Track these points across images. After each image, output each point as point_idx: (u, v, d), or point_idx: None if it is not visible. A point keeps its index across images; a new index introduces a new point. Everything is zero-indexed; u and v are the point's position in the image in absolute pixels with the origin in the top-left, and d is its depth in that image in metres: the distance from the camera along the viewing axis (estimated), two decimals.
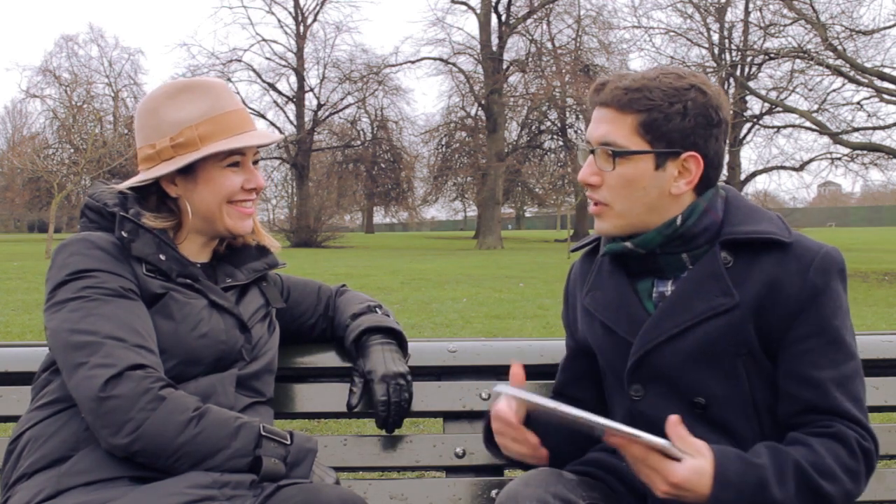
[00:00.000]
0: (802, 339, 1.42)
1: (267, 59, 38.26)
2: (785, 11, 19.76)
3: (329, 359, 1.88)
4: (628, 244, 1.52)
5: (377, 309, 1.87)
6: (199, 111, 1.62)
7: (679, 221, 1.48)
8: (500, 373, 1.85)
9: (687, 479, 1.29)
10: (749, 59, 27.68)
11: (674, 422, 1.31)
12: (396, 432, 1.77)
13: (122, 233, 1.57)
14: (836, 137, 20.40)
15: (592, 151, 1.50)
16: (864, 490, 1.40)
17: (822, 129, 20.76)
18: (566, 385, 1.70)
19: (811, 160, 26.96)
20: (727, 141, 1.52)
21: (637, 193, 1.47)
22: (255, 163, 1.70)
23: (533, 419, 1.51)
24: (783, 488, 1.32)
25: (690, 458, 1.30)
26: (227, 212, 1.65)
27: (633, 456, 1.32)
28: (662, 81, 1.45)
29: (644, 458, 1.30)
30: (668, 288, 1.52)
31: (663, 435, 1.50)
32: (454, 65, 36.85)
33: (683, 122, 1.44)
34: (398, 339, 1.82)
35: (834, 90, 22.18)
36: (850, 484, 1.36)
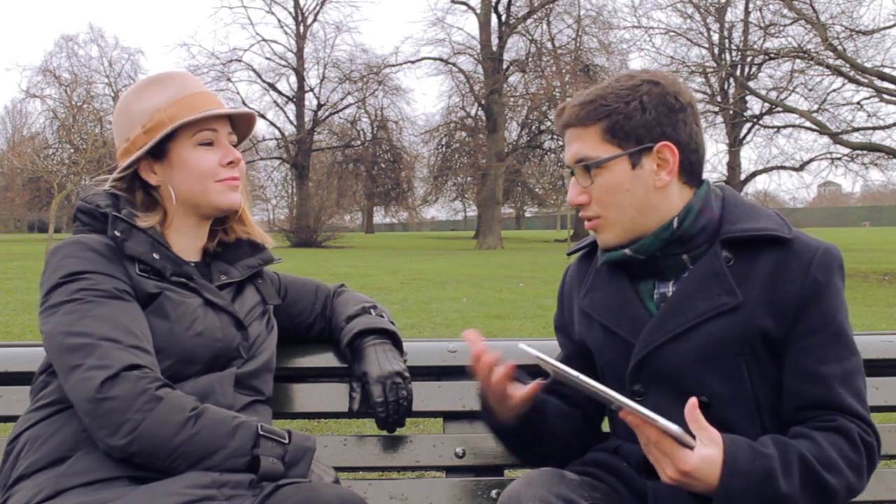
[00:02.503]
0: (808, 334, 1.43)
1: (267, 59, 38.27)
2: (785, 11, 19.77)
3: (329, 359, 1.87)
4: (627, 251, 1.52)
5: (371, 310, 1.87)
6: (166, 96, 1.64)
7: (676, 224, 1.49)
8: None
9: (697, 468, 1.28)
10: (749, 59, 27.68)
11: (692, 406, 1.29)
12: (397, 432, 1.76)
13: (116, 232, 1.56)
14: (836, 137, 20.40)
15: (573, 173, 1.53)
16: (867, 486, 1.40)
17: (822, 129, 20.76)
18: (559, 382, 1.70)
19: (811, 160, 26.94)
20: (699, 124, 1.54)
21: (623, 198, 1.49)
22: (235, 146, 1.69)
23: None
24: (789, 480, 1.31)
25: (702, 447, 1.29)
26: (216, 189, 1.65)
27: (646, 437, 1.31)
28: (614, 86, 1.49)
29: (657, 442, 1.29)
30: (670, 288, 1.52)
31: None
32: (454, 65, 36.86)
33: (645, 115, 1.47)
34: (392, 339, 1.82)
35: (834, 90, 22.21)
36: (853, 477, 1.37)
